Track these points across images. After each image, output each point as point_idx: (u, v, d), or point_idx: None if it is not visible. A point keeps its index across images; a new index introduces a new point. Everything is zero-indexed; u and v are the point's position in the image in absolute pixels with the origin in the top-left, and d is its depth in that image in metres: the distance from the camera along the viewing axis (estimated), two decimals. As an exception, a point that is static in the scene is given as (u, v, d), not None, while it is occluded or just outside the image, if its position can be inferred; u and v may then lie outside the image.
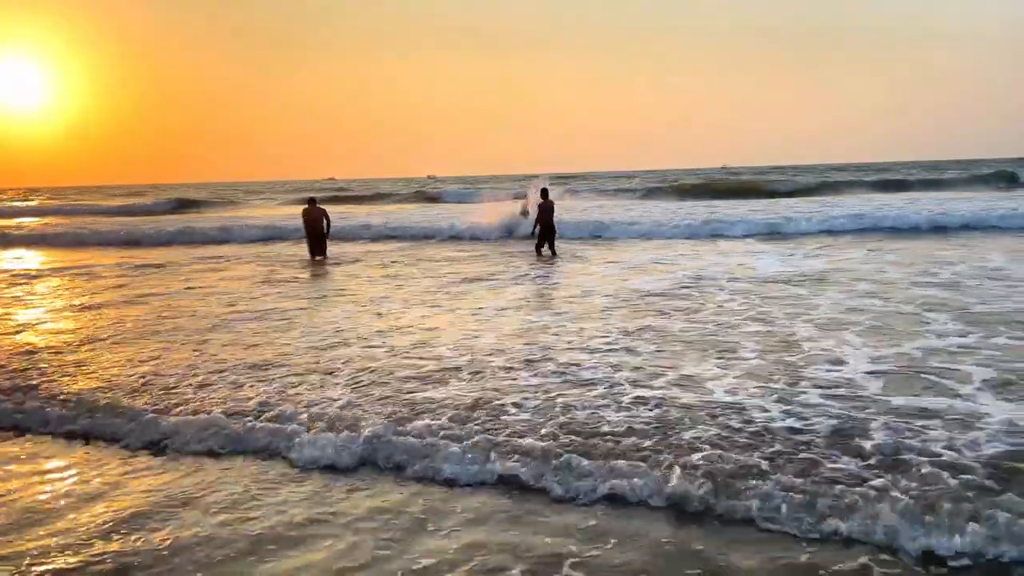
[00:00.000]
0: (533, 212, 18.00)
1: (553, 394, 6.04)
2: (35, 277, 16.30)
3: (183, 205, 48.80)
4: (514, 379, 6.56)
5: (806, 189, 39.42)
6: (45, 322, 10.52)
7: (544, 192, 17.24)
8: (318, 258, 17.34)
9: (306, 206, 17.79)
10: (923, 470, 4.26)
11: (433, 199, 48.05)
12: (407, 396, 6.17)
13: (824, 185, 41.05)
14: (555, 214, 17.10)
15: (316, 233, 17.39)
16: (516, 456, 4.78)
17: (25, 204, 58.45)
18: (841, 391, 5.82)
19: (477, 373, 6.79)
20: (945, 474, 4.20)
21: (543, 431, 5.17)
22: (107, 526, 4.28)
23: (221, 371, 7.23)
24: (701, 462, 4.52)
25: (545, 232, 16.99)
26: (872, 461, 4.44)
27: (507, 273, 14.03)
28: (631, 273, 13.37)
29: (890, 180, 42.33)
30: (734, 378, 6.27)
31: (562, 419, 5.41)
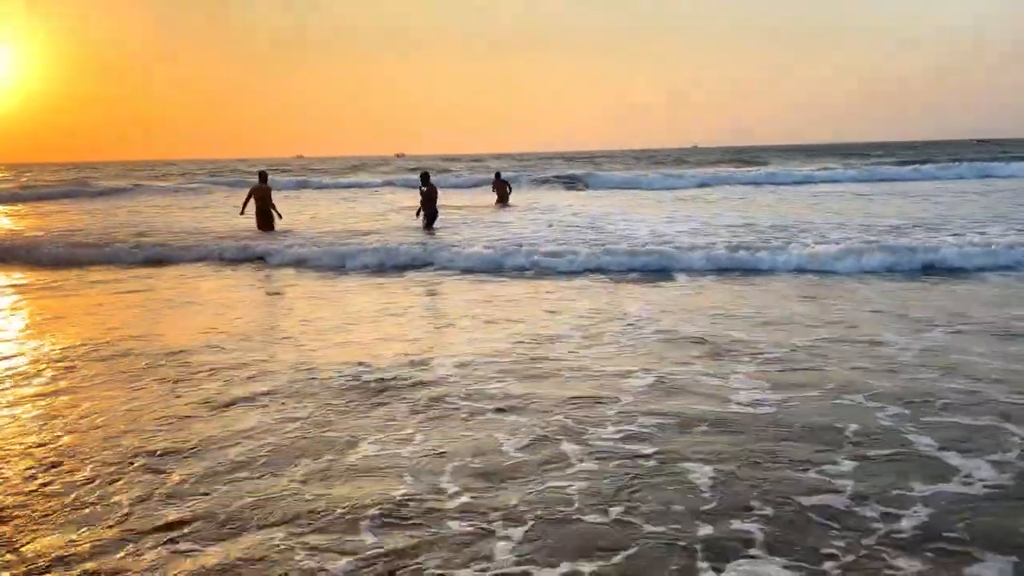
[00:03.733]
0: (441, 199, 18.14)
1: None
2: None
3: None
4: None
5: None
6: None
7: (425, 177, 17.36)
8: (267, 232, 16.29)
9: (257, 183, 16.86)
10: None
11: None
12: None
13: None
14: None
15: (265, 210, 16.60)
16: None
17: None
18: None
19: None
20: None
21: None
22: None
23: None
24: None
25: (428, 216, 17.12)
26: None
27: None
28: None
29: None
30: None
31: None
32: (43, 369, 6.37)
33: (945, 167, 36.72)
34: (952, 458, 4.08)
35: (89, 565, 3.27)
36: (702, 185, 33.74)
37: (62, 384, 5.93)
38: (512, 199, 23.69)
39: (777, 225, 15.22)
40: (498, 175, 24.73)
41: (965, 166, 35.98)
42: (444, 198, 19.01)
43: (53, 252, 14.11)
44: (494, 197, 24.10)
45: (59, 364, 6.50)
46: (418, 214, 17.41)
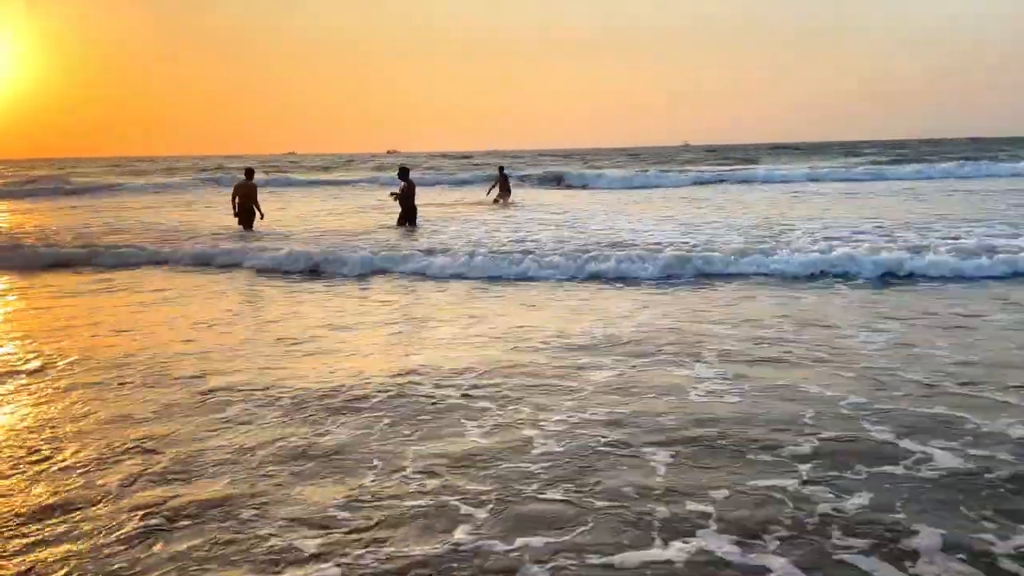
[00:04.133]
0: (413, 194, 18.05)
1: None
2: None
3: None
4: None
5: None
6: None
7: (404, 173, 17.34)
8: (245, 231, 16.34)
9: (243, 179, 16.87)
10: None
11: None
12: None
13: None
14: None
15: (247, 207, 16.61)
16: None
17: None
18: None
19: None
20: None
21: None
22: None
23: None
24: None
25: (406, 213, 17.14)
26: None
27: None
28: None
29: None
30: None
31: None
32: (26, 364, 6.50)
33: (932, 166, 36.92)
34: (904, 444, 4.23)
35: (79, 543, 3.39)
36: (694, 183, 33.92)
37: (45, 379, 6.05)
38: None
39: (760, 225, 15.30)
40: (501, 170, 24.62)
41: (957, 164, 36.14)
42: (438, 196, 19.09)
43: (29, 252, 13.80)
44: (484, 194, 24.15)
45: (41, 360, 6.63)
46: (395, 197, 17.45)
